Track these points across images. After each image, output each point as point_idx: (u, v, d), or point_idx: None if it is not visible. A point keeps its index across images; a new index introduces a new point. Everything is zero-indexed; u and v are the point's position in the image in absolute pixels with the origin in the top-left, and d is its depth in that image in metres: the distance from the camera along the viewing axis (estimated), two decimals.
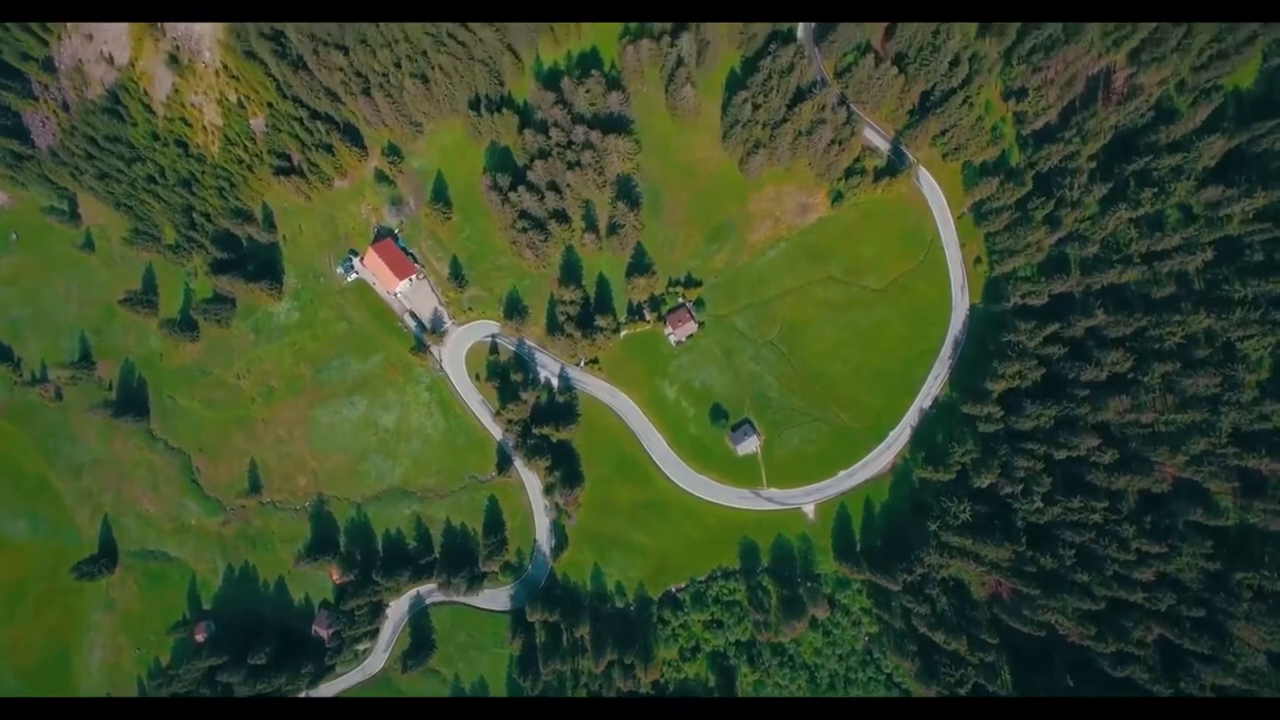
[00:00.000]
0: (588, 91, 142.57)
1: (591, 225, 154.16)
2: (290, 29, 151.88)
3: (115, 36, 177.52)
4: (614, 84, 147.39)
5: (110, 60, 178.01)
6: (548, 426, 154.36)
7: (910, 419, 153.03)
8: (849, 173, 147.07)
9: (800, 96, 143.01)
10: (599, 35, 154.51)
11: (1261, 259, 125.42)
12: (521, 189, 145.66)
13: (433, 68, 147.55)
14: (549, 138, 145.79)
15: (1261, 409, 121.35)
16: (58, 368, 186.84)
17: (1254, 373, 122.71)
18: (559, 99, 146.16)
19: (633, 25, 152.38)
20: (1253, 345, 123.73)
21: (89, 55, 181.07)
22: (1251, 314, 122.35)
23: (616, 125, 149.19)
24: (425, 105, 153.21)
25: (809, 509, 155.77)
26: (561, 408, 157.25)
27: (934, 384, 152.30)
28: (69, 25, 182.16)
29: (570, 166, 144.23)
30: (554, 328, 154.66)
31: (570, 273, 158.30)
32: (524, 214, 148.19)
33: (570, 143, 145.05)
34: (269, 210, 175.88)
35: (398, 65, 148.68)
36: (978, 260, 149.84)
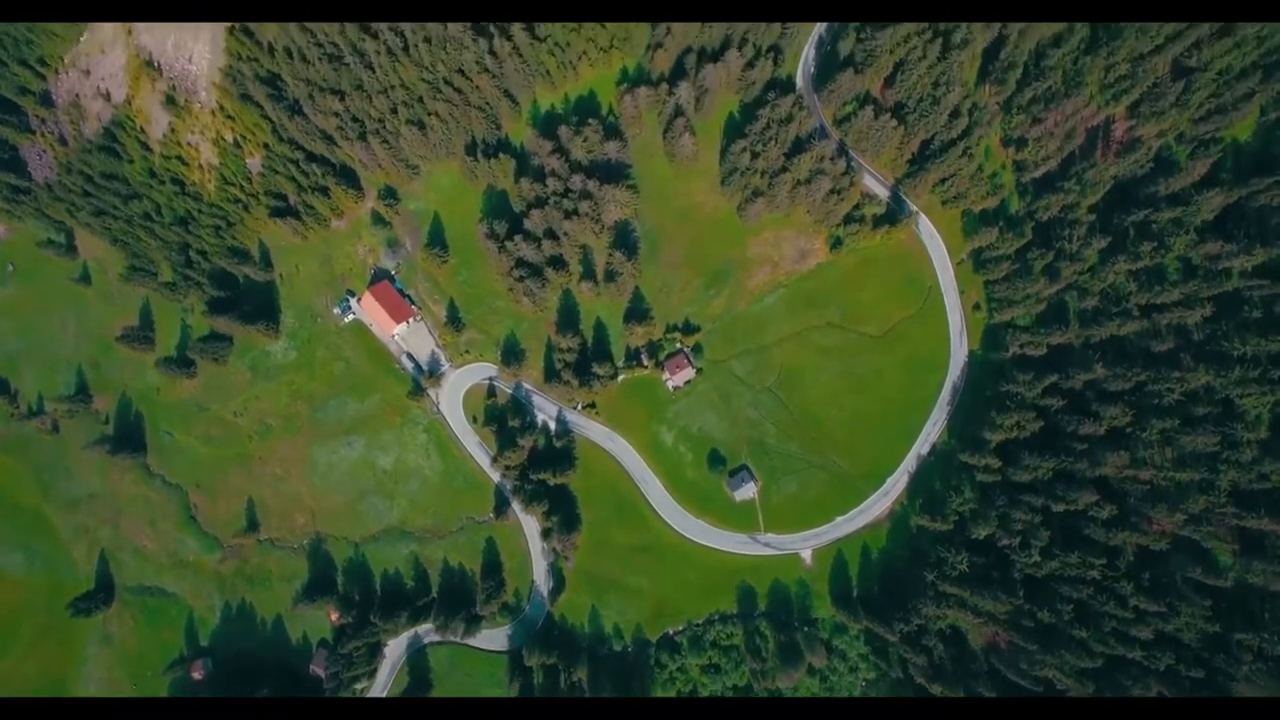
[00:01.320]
0: (585, 140, 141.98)
1: (589, 272, 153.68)
2: (286, 74, 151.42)
3: (112, 74, 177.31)
4: (611, 131, 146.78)
5: (107, 97, 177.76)
6: (545, 471, 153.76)
7: (908, 465, 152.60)
8: (848, 219, 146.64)
9: (799, 146, 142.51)
10: (596, 80, 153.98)
11: (1260, 316, 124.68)
12: (518, 238, 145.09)
13: (429, 114, 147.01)
14: (546, 186, 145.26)
15: (1261, 468, 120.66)
16: (54, 401, 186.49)
17: (1253, 431, 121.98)
18: (556, 147, 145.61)
19: (630, 71, 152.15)
20: (1251, 402, 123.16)
21: (86, 91, 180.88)
22: (1250, 372, 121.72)
23: (614, 171, 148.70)
24: (421, 150, 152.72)
25: (806, 554, 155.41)
26: (559, 452, 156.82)
27: (932, 430, 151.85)
28: (66, 59, 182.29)
29: (567, 215, 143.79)
30: (551, 374, 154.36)
31: (567, 317, 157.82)
32: (521, 262, 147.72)
33: (568, 191, 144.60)
34: (265, 248, 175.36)
35: (394, 111, 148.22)
36: (976, 307, 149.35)
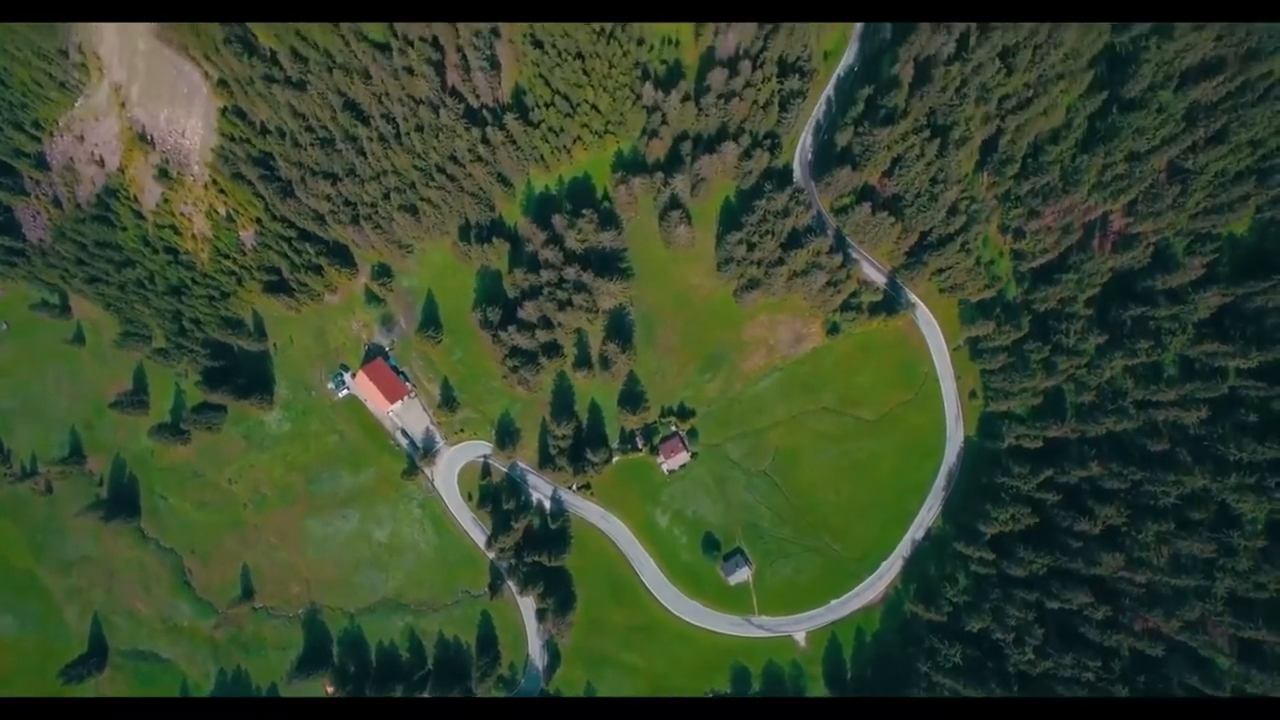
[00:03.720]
0: (579, 232, 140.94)
1: (584, 358, 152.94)
2: (278, 155, 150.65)
3: (105, 141, 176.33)
4: (607, 219, 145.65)
5: (101, 163, 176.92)
6: (540, 554, 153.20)
7: (903, 549, 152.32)
8: (845, 307, 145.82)
9: (796, 239, 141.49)
10: (590, 162, 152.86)
11: (1257, 420, 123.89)
12: (512, 328, 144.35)
13: (421, 200, 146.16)
14: (540, 276, 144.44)
15: (1258, 578, 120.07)
16: (48, 462, 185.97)
17: (1250, 539, 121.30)
18: (551, 236, 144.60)
19: (625, 153, 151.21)
20: (1248, 508, 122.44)
21: (80, 156, 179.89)
22: (1247, 478, 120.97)
23: (609, 257, 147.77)
24: (414, 232, 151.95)
25: (800, 636, 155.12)
26: (554, 534, 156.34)
27: (927, 515, 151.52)
28: (60, 123, 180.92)
29: (561, 307, 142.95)
30: (546, 460, 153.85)
31: (562, 398, 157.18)
32: (515, 350, 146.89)
33: (562, 281, 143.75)
34: (259, 318, 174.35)
35: (386, 197, 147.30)
36: (973, 394, 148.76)
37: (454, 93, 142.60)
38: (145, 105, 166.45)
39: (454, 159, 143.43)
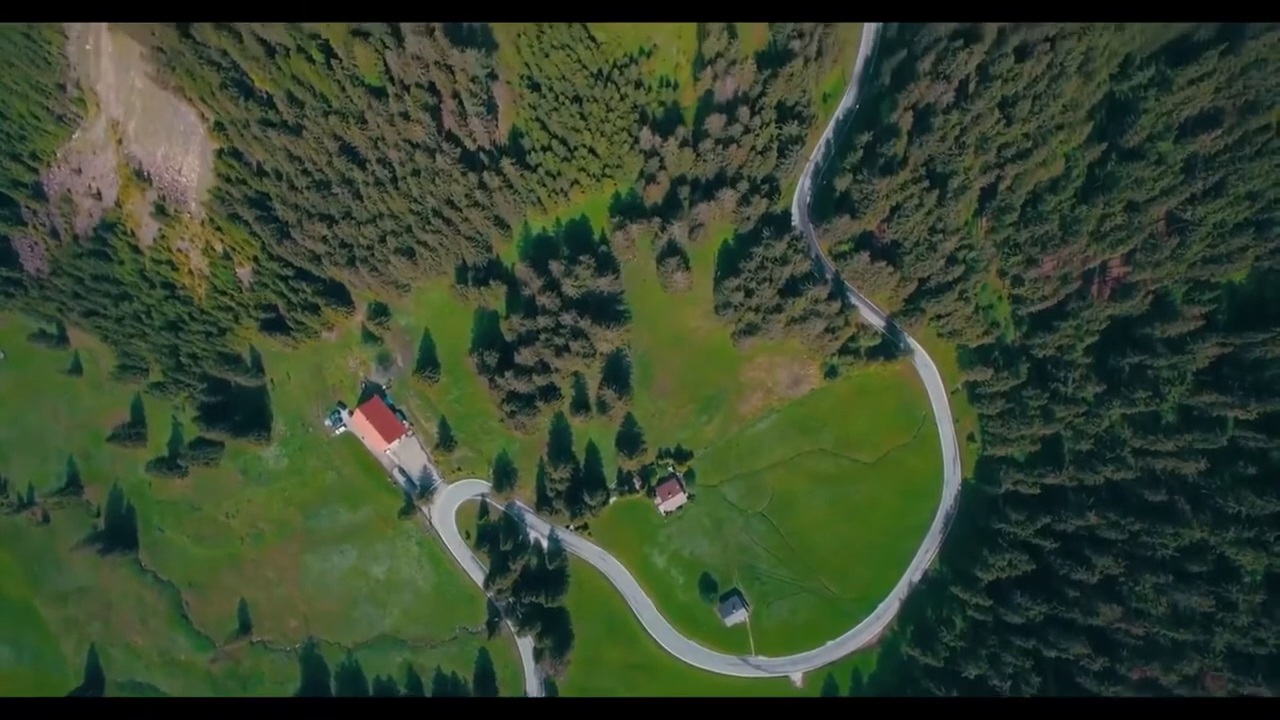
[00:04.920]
0: (576, 279, 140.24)
1: (581, 401, 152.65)
2: (274, 196, 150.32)
3: (103, 174, 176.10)
4: (604, 263, 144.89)
5: (98, 196, 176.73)
6: (538, 594, 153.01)
7: (899, 591, 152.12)
8: (843, 351, 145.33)
9: (794, 285, 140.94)
10: (588, 204, 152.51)
11: (1256, 472, 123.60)
12: (509, 374, 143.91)
13: (418, 243, 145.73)
14: (537, 321, 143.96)
15: (1257, 633, 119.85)
16: (45, 493, 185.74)
17: (1249, 594, 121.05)
18: (548, 282, 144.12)
19: (623, 195, 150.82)
20: (1248, 560, 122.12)
21: (78, 188, 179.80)
22: (1246, 532, 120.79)
23: (607, 300, 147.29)
24: (411, 274, 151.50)
25: (796, 677, 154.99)
26: (552, 574, 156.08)
27: (924, 558, 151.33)
28: (58, 154, 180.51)
29: (559, 352, 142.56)
30: (543, 501, 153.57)
31: (560, 439, 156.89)
32: (512, 395, 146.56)
33: (559, 327, 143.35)
34: (257, 354, 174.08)
35: (382, 240, 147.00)
36: (971, 437, 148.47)
37: (450, 137, 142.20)
38: (142, 142, 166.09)
39: (450, 203, 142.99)
